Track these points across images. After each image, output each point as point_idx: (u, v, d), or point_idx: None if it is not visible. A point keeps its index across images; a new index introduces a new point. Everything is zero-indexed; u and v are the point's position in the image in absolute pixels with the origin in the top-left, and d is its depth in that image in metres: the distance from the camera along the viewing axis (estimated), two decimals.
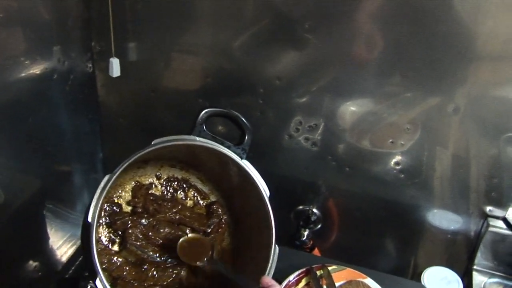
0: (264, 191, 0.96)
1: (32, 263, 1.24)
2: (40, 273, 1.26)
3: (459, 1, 0.94)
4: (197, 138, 0.94)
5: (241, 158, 0.96)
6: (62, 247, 1.34)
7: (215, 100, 1.22)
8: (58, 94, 1.17)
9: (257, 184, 0.96)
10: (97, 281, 0.81)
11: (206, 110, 0.97)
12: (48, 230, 1.27)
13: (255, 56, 1.13)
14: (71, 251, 1.36)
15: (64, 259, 1.34)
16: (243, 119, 0.99)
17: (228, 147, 0.96)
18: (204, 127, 0.96)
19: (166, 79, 1.24)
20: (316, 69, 1.11)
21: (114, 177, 0.84)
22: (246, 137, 0.99)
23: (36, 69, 1.07)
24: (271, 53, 1.11)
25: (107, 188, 0.83)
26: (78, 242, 1.39)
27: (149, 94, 1.26)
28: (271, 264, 0.96)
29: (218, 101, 1.22)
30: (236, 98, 1.20)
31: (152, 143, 0.89)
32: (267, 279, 0.86)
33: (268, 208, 0.96)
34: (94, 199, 0.82)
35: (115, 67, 1.16)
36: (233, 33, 1.12)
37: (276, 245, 0.96)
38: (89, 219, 0.81)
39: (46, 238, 1.27)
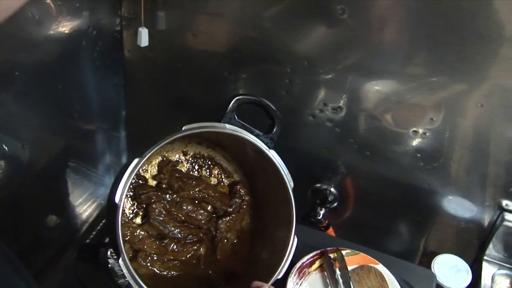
0: (289, 182, 0.97)
1: (54, 218, 1.28)
2: (61, 230, 1.31)
3: (498, 1, 0.92)
4: (227, 126, 0.94)
5: (269, 148, 0.97)
6: (82, 204, 1.39)
7: (240, 74, 1.22)
8: (87, 59, 1.19)
9: (282, 175, 0.96)
10: (120, 261, 0.84)
11: (237, 97, 0.96)
12: (70, 187, 1.31)
13: (285, 34, 1.12)
14: (90, 209, 1.41)
15: (84, 217, 1.39)
16: (275, 109, 0.98)
17: (257, 136, 0.97)
18: (235, 114, 0.96)
19: (193, 51, 1.24)
20: (344, 51, 1.10)
21: (143, 160, 0.85)
22: (276, 127, 0.99)
23: (66, 32, 1.08)
24: (302, 32, 1.11)
25: (135, 171, 0.85)
26: (98, 201, 1.44)
27: (175, 64, 1.27)
28: (288, 255, 0.97)
29: (243, 76, 1.22)
30: (262, 75, 1.21)
31: (183, 128, 0.89)
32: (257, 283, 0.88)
33: (291, 200, 0.97)
34: (122, 182, 0.83)
35: (143, 37, 1.17)
36: (264, 7, 1.11)
37: (295, 237, 0.97)
38: (116, 200, 0.83)
39: (67, 194, 1.32)
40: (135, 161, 0.85)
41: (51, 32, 1.04)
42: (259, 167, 1.02)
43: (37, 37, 1.01)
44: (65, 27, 1.07)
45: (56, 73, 1.10)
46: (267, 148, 0.96)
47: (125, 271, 0.84)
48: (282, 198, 0.97)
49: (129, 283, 1.06)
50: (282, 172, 0.97)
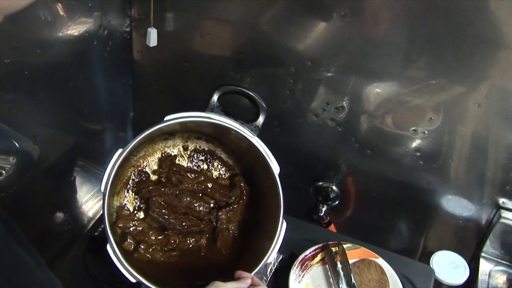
0: (274, 168, 0.99)
1: (62, 215, 1.31)
2: (69, 226, 1.34)
3: (494, 1, 0.94)
4: (210, 115, 0.97)
5: (254, 135, 0.99)
6: (89, 201, 1.41)
7: (245, 74, 1.25)
8: (97, 59, 1.22)
9: (267, 160, 0.99)
10: (108, 247, 0.86)
11: (220, 87, 0.99)
12: (77, 184, 1.34)
13: (289, 35, 1.15)
14: (97, 206, 1.44)
15: (91, 214, 1.42)
16: (258, 97, 1.01)
17: (241, 124, 0.99)
18: (218, 104, 0.99)
19: (200, 51, 1.27)
20: (345, 52, 1.13)
21: (126, 152, 0.89)
22: (260, 115, 1.01)
23: (77, 32, 1.12)
24: (305, 33, 1.13)
25: (119, 162, 0.88)
26: None
27: (183, 64, 1.30)
28: (277, 239, 0.98)
29: (248, 75, 1.25)
30: (267, 75, 1.23)
31: (165, 119, 0.93)
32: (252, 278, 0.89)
33: (277, 184, 0.99)
34: (107, 172, 0.87)
35: (152, 37, 1.20)
36: (267, 9, 1.14)
37: (284, 221, 0.98)
38: (102, 189, 0.87)
39: (75, 191, 1.34)
40: (118, 151, 0.89)
41: (64, 31, 1.07)
42: (252, 158, 1.05)
43: (49, 36, 1.04)
44: (77, 26, 1.10)
45: (68, 72, 1.13)
46: (251, 135, 0.98)
47: (112, 256, 0.86)
48: (270, 184, 0.99)
49: None
50: (266, 157, 0.99)
